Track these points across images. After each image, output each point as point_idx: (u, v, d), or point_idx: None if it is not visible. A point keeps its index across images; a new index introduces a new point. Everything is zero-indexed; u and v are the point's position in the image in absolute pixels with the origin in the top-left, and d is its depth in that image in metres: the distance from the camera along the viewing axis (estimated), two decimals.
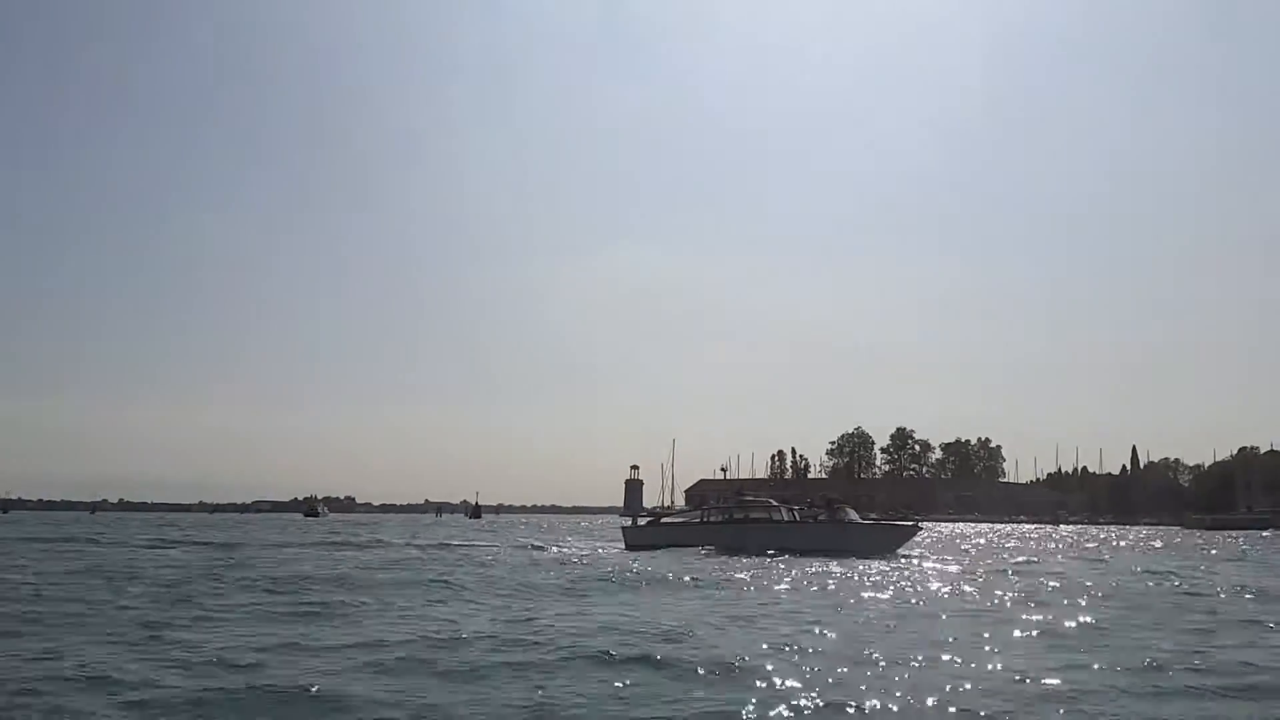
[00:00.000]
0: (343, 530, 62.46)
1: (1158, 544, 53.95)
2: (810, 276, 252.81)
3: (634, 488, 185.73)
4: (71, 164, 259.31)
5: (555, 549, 37.67)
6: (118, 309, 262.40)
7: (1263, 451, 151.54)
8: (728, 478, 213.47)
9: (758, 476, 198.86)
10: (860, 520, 39.29)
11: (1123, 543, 55.91)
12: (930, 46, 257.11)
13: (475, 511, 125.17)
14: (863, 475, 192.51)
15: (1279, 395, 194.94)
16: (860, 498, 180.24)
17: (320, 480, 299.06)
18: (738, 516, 38.01)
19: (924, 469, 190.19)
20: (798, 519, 38.25)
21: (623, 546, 38.29)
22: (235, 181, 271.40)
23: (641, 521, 49.16)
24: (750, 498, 46.82)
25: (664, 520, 43.25)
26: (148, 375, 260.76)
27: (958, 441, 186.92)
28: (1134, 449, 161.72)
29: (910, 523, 42.25)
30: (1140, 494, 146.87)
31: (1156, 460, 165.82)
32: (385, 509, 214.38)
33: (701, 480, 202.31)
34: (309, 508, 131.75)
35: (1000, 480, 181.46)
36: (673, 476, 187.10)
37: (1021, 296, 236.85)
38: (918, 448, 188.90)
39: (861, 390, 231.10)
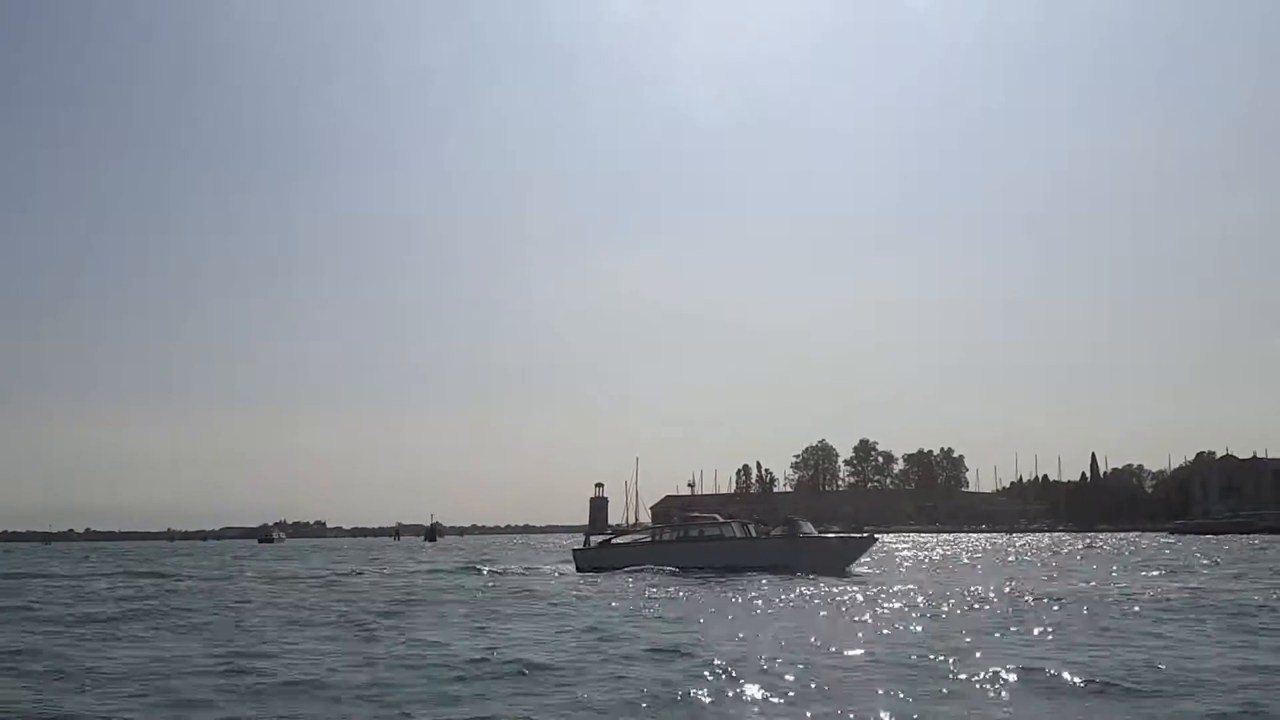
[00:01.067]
0: (273, 558, 61.14)
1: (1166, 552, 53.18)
2: (777, 288, 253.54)
3: (599, 505, 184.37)
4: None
5: (487, 570, 37.00)
6: (78, 325, 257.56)
7: (1219, 456, 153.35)
8: (695, 494, 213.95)
9: (723, 492, 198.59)
10: (816, 534, 38.54)
11: (1127, 551, 55.06)
12: (898, 50, 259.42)
13: (431, 534, 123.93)
14: (827, 488, 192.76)
15: (1235, 400, 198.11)
16: (824, 510, 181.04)
17: (295, 505, 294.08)
18: (691, 535, 37.35)
19: (888, 480, 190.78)
20: (751, 535, 37.60)
21: (574, 569, 37.47)
22: (219, 198, 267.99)
23: (597, 541, 47.73)
24: (698, 515, 46.12)
25: (615, 541, 41.70)
26: (115, 399, 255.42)
27: (920, 452, 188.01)
28: (1093, 456, 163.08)
29: (865, 535, 41.49)
30: (1101, 501, 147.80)
31: (1120, 467, 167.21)
32: (357, 533, 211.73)
33: (667, 497, 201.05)
34: (263, 534, 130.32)
35: (964, 490, 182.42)
36: (637, 494, 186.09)
37: (984, 305, 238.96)
38: (881, 459, 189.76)
39: (828, 403, 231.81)
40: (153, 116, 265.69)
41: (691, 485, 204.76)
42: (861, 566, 36.49)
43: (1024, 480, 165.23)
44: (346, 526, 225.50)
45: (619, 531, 53.83)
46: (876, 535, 42.19)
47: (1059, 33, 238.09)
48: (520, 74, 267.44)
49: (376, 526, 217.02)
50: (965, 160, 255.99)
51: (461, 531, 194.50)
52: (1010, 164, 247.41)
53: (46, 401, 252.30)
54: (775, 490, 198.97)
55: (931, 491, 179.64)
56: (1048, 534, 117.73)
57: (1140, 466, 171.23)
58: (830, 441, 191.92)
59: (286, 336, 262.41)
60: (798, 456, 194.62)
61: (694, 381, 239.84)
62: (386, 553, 66.13)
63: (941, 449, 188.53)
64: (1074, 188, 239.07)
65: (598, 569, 35.74)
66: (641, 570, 33.97)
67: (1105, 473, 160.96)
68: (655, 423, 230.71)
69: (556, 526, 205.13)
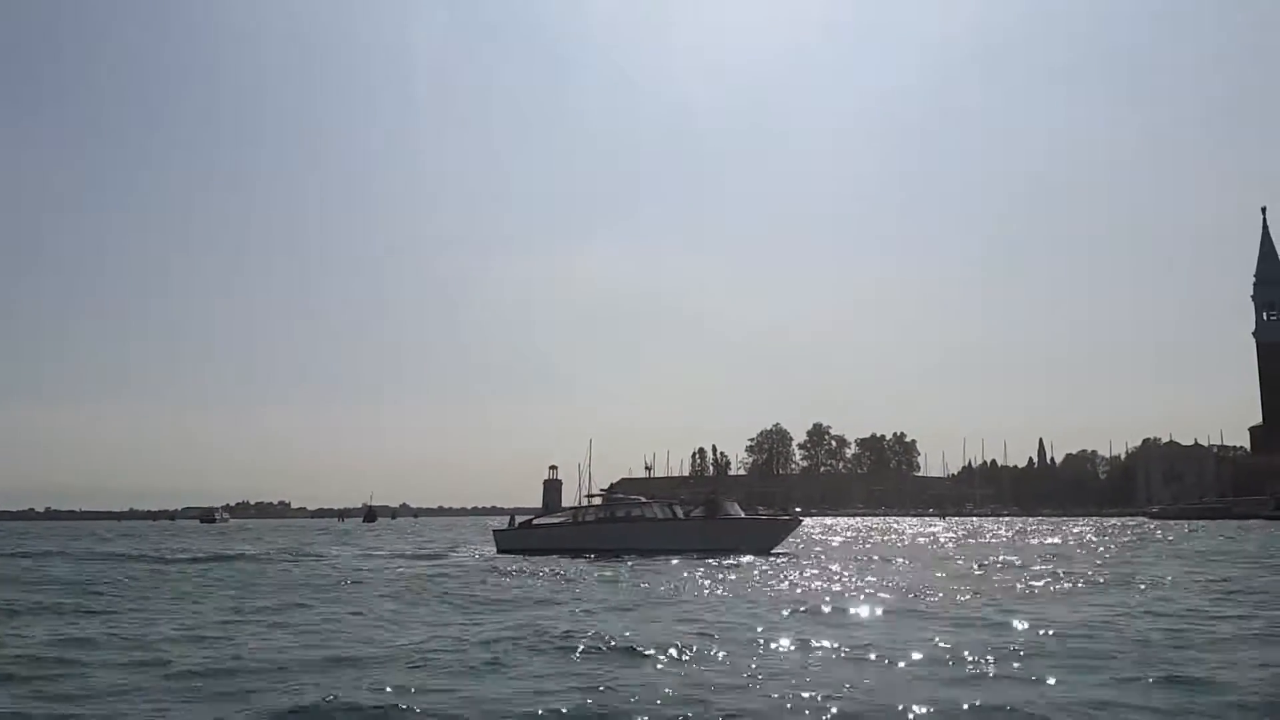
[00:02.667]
0: (205, 538, 59.51)
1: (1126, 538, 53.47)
2: (739, 277, 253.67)
3: (553, 487, 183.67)
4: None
5: (384, 553, 35.70)
6: (39, 310, 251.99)
7: (1164, 442, 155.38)
8: (651, 476, 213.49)
9: (677, 475, 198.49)
10: (743, 516, 37.73)
11: (1092, 538, 55.13)
12: (868, 49, 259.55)
13: (370, 515, 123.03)
14: (781, 471, 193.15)
15: (1182, 388, 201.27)
16: (776, 494, 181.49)
17: (262, 486, 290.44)
18: (618, 515, 36.14)
19: (840, 464, 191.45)
20: (675, 516, 36.21)
21: (494, 550, 35.86)
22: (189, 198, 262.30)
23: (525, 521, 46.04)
24: (622, 495, 44.98)
25: (536, 522, 38.88)
26: (79, 381, 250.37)
27: (873, 437, 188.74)
28: (1041, 442, 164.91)
29: (789, 516, 40.89)
30: (1046, 486, 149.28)
31: (1076, 453, 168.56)
32: (321, 514, 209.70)
33: (623, 479, 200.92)
34: (205, 514, 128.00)
35: (916, 475, 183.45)
36: (590, 476, 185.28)
37: (941, 295, 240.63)
38: (834, 443, 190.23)
39: (785, 388, 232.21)
40: (109, 110, 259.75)
41: (649, 468, 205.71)
42: (787, 547, 35.69)
43: (972, 465, 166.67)
44: (311, 507, 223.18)
45: (537, 514, 50.22)
46: (801, 517, 42.01)
47: (1038, 34, 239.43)
48: (505, 62, 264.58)
49: (342, 507, 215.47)
50: (929, 157, 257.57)
51: (416, 513, 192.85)
52: (972, 160, 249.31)
53: (9, 382, 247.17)
54: (730, 473, 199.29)
55: (883, 476, 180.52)
56: (987, 519, 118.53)
57: (1094, 453, 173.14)
58: (785, 426, 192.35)
59: (261, 324, 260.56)
60: (752, 440, 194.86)
61: (654, 366, 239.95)
62: (314, 535, 64.55)
63: (894, 434, 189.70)
64: (1031, 184, 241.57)
65: (518, 551, 34.35)
66: (560, 553, 32.54)
67: (1052, 459, 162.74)
68: (615, 406, 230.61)
69: (523, 509, 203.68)
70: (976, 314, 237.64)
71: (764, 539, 34.62)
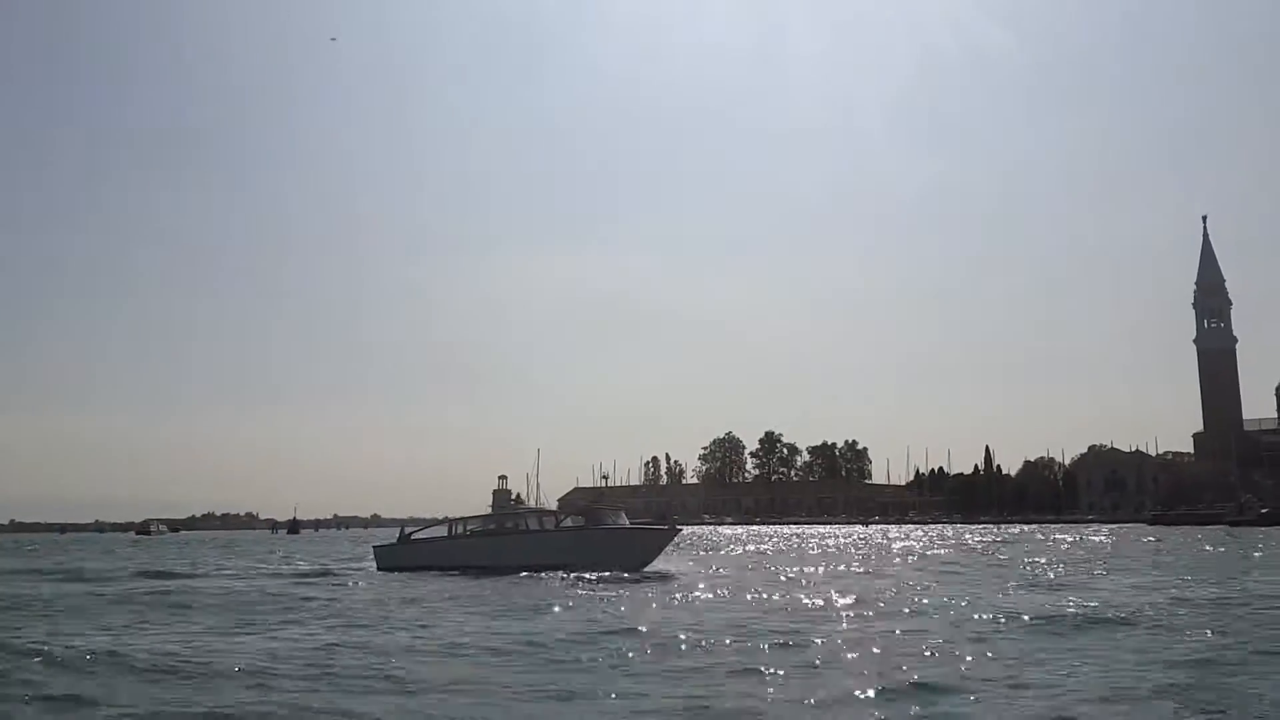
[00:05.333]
0: (87, 551, 58.07)
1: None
2: (695, 282, 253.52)
3: (502, 498, 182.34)
4: None
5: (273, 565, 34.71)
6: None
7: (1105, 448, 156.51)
8: (607, 485, 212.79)
9: (630, 484, 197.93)
10: (614, 525, 33.27)
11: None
12: (842, 51, 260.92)
13: (294, 527, 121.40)
14: (733, 479, 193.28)
15: (1127, 395, 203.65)
16: (728, 501, 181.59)
17: (226, 496, 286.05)
18: (492, 529, 33.90)
19: (792, 472, 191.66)
20: (549, 528, 32.93)
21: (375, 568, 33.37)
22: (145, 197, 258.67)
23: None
24: (524, 508, 41.50)
25: (417, 536, 35.61)
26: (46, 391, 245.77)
27: (824, 445, 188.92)
28: (987, 449, 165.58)
29: (665, 526, 37.17)
30: (989, 493, 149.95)
31: (1035, 460, 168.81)
32: (315, 524, 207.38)
33: (576, 488, 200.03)
34: (141, 527, 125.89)
35: (867, 482, 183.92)
36: (538, 485, 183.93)
37: (895, 300, 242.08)
38: (785, 451, 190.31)
39: (742, 396, 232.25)
40: (73, 106, 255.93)
41: (605, 477, 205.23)
42: (684, 562, 33.81)
43: (919, 473, 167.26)
44: (281, 518, 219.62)
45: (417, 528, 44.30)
46: (680, 526, 38.09)
47: (989, 52, 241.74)
48: (474, 69, 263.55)
49: (311, 518, 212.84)
50: (887, 165, 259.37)
51: (347, 524, 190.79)
52: (930, 170, 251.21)
53: None
54: (684, 482, 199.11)
55: (833, 484, 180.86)
56: (924, 526, 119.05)
57: (1053, 459, 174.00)
58: (739, 434, 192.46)
59: (233, 331, 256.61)
60: (705, 448, 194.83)
61: (611, 373, 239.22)
62: (235, 547, 63.76)
63: (846, 442, 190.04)
64: (988, 193, 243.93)
65: (397, 569, 31.89)
66: (440, 570, 30.07)
67: (998, 466, 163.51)
68: (569, 414, 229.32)
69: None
70: (935, 323, 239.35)
71: (633, 554, 30.67)
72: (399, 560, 33.14)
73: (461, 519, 35.66)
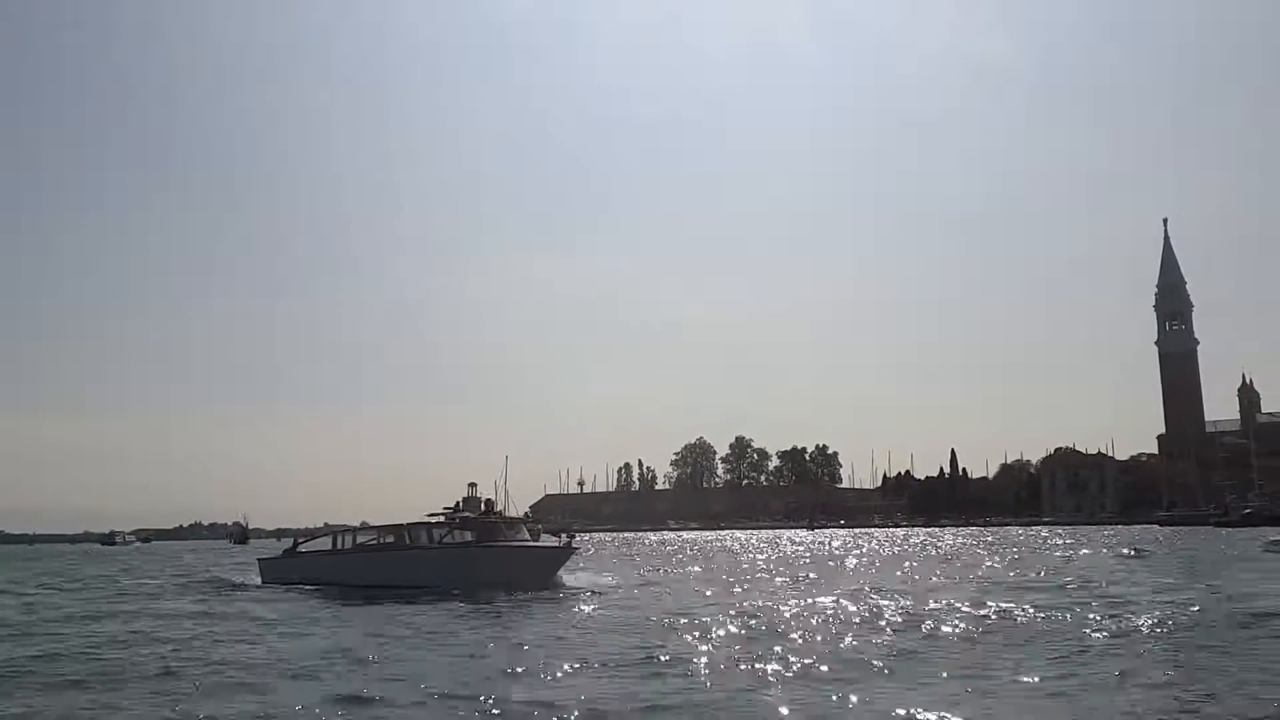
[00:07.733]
0: (74, 564, 57.54)
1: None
2: (667, 287, 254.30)
3: (472, 505, 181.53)
4: None
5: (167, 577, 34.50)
6: None
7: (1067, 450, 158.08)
8: (582, 491, 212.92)
9: (606, 490, 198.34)
10: (517, 544, 28.45)
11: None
12: (823, 62, 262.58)
13: (242, 536, 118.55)
14: (705, 485, 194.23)
15: (1092, 398, 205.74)
16: (699, 506, 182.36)
17: (225, 505, 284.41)
18: (373, 543, 30.10)
19: (762, 477, 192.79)
20: (438, 542, 28.57)
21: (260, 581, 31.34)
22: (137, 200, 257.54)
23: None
24: (430, 518, 36.50)
25: (303, 548, 32.81)
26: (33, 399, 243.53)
27: (794, 450, 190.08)
28: (953, 452, 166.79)
29: (559, 543, 29.86)
30: (952, 496, 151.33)
31: (1010, 462, 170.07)
32: (279, 533, 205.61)
33: (548, 495, 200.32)
34: (106, 538, 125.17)
35: (837, 486, 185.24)
36: (506, 493, 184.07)
37: (865, 306, 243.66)
38: (756, 456, 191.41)
39: (715, 401, 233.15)
40: (63, 109, 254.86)
41: (581, 484, 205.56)
42: (597, 577, 29.52)
43: (886, 477, 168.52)
44: (268, 528, 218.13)
45: (302, 539, 37.69)
46: (575, 545, 29.67)
47: (973, 59, 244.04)
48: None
49: (307, 525, 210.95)
50: (865, 163, 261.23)
51: (313, 534, 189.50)
52: (903, 166, 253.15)
53: None
54: (656, 488, 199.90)
55: (803, 488, 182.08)
56: (883, 529, 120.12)
57: (1028, 462, 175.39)
58: (710, 440, 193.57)
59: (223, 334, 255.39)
60: (677, 454, 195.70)
61: (586, 379, 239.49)
62: (185, 556, 63.87)
63: (816, 446, 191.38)
64: (952, 196, 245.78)
65: (283, 582, 30.02)
66: (326, 586, 27.34)
67: (964, 469, 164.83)
68: (544, 420, 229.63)
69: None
70: (903, 328, 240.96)
71: (532, 572, 26.48)
72: (283, 574, 30.91)
73: (350, 530, 32.47)
